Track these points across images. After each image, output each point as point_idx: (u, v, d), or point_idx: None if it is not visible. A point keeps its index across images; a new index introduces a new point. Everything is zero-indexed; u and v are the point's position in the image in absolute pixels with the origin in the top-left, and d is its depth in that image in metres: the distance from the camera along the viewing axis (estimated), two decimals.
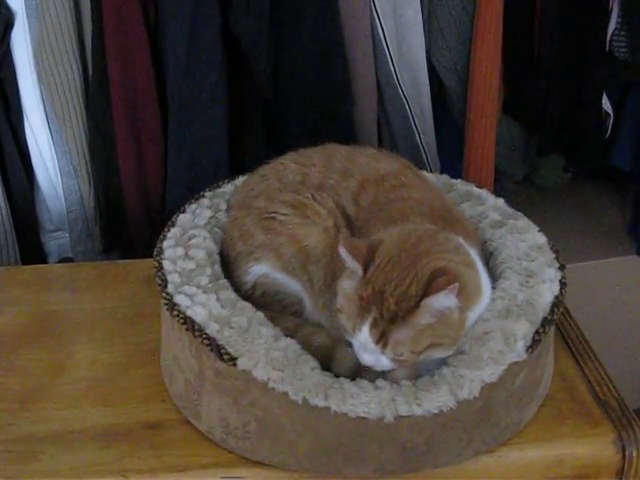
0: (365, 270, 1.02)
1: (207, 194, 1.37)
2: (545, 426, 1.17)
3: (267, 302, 1.19)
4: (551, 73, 1.84)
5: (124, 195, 1.73)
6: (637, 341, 2.06)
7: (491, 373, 1.06)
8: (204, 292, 1.15)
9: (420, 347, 1.02)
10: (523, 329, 1.10)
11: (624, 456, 1.15)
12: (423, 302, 0.99)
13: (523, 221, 1.30)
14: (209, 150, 1.65)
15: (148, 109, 1.67)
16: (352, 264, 1.03)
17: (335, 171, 1.24)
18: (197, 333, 1.09)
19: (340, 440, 1.06)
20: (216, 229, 1.30)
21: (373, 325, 1.01)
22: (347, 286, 1.04)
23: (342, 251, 1.03)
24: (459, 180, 1.43)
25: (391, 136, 1.88)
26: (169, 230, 1.28)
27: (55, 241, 1.84)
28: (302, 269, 1.20)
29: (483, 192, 1.39)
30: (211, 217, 1.32)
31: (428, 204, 1.18)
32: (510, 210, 1.34)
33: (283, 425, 1.07)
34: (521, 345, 1.09)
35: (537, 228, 1.29)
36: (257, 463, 1.11)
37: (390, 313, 1.00)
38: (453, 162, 1.91)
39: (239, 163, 1.70)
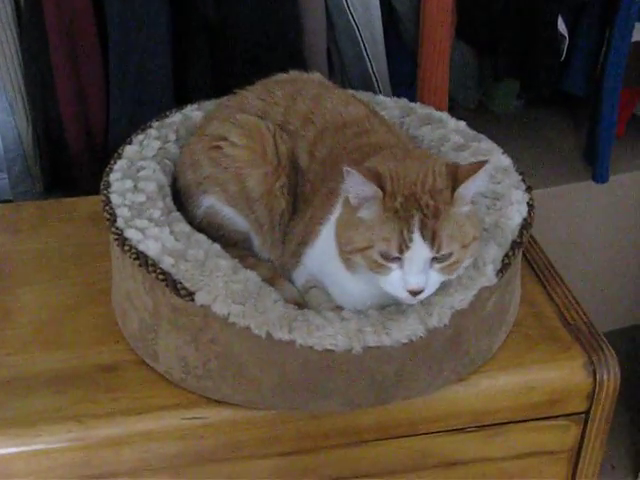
0: (382, 188, 0.95)
1: (154, 124, 1.30)
2: (515, 353, 1.15)
3: (215, 237, 1.13)
4: None
5: (65, 131, 1.63)
6: (596, 266, 2.05)
7: (461, 299, 1.03)
8: (156, 225, 1.08)
9: (468, 238, 0.97)
10: (492, 253, 1.06)
11: (595, 379, 1.13)
12: (461, 188, 0.95)
13: (486, 143, 1.26)
14: (153, 80, 1.56)
15: (87, 37, 1.57)
16: (369, 188, 0.95)
17: (297, 115, 1.17)
18: (151, 268, 1.03)
19: (306, 374, 1.01)
20: (166, 160, 1.23)
21: (422, 227, 0.93)
22: (366, 215, 0.96)
23: (354, 180, 0.95)
24: (417, 103, 1.38)
25: (341, 64, 1.81)
26: (115, 162, 1.20)
27: None
28: (247, 207, 1.15)
29: (444, 115, 1.33)
30: (160, 148, 1.24)
31: (387, 146, 1.11)
32: (472, 132, 1.30)
33: (245, 361, 1.02)
34: (491, 269, 1.05)
35: (501, 150, 1.25)
36: (219, 402, 1.06)
37: (431, 209, 0.94)
38: (405, 90, 1.85)
39: (183, 95, 1.62)
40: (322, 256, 1.07)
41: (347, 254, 0.99)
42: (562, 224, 1.94)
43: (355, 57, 1.78)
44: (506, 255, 1.07)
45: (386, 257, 0.96)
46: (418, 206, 0.95)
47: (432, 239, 0.94)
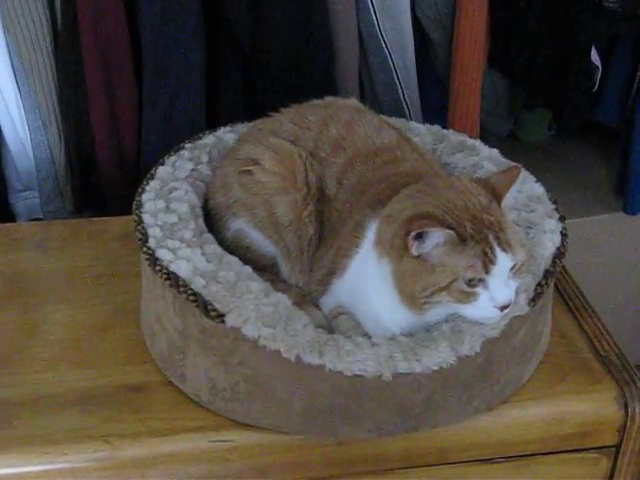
0: (451, 227, 0.96)
1: (187, 146, 1.30)
2: (545, 383, 1.13)
3: (243, 260, 1.12)
4: (539, 24, 1.78)
5: (97, 151, 1.63)
6: (627, 298, 2.03)
7: (493, 327, 1.01)
8: (188, 246, 1.08)
9: (523, 238, 1.01)
10: (525, 282, 1.05)
11: (627, 412, 1.11)
12: (505, 199, 1.00)
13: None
14: (186, 103, 1.57)
15: (121, 59, 1.58)
16: (443, 235, 0.96)
17: (328, 141, 1.16)
18: (182, 289, 1.02)
19: (335, 400, 1.00)
20: (198, 182, 1.23)
21: (499, 242, 0.96)
22: (438, 253, 0.97)
23: (433, 236, 0.96)
24: (450, 130, 1.37)
25: (373, 91, 1.81)
26: (148, 183, 1.21)
27: (24, 202, 1.75)
28: (275, 232, 1.15)
29: (477, 142, 1.33)
30: (192, 169, 1.25)
31: (417, 175, 1.11)
32: (505, 160, 1.29)
33: (274, 385, 1.01)
34: (523, 298, 1.04)
35: (534, 178, 1.24)
36: (247, 425, 1.05)
37: (495, 224, 0.96)
38: (436, 118, 1.85)
39: (215, 118, 1.62)
40: (352, 289, 1.08)
41: (426, 299, 0.98)
42: (593, 255, 1.92)
43: (387, 83, 1.78)
44: (539, 284, 1.06)
45: (471, 284, 0.96)
46: (485, 225, 0.96)
47: (509, 249, 0.96)
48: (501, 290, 0.97)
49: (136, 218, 1.14)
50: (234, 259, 1.08)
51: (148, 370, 1.14)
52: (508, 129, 2.04)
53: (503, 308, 0.97)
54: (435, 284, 0.97)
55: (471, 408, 1.06)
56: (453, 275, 0.96)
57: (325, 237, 1.14)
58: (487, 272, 0.96)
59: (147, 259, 1.07)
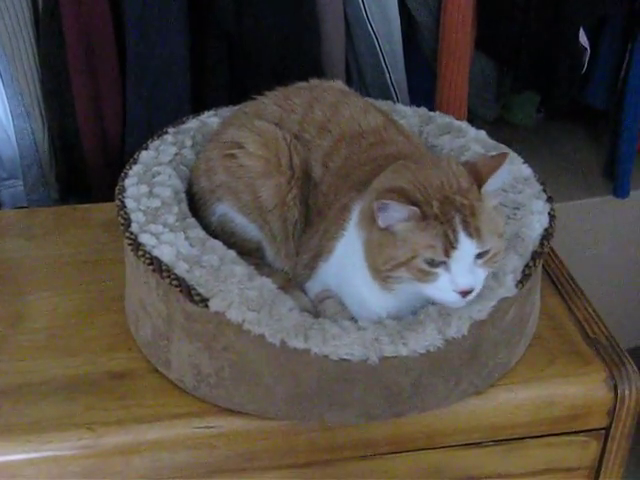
0: (414, 204, 0.94)
1: (170, 130, 1.29)
2: (534, 366, 1.12)
3: (228, 245, 1.10)
4: (527, 6, 1.76)
5: (81, 137, 1.61)
6: (616, 281, 2.02)
7: (480, 310, 1.00)
8: (171, 230, 1.07)
9: (501, 227, 0.98)
10: (512, 263, 1.04)
11: (616, 395, 1.11)
12: (487, 184, 0.96)
13: (504, 148, 1.24)
14: (170, 87, 1.55)
15: (104, 44, 1.55)
16: (406, 211, 0.94)
17: (314, 123, 1.15)
18: (165, 274, 1.01)
19: (321, 384, 0.99)
20: (181, 166, 1.22)
21: (465, 226, 0.93)
22: (403, 228, 0.95)
23: (392, 210, 0.94)
24: (437, 112, 1.36)
25: (360, 75, 1.79)
26: (131, 168, 1.19)
27: (8, 190, 1.73)
28: (260, 217, 1.13)
29: (464, 124, 1.32)
30: (176, 154, 1.23)
31: (402, 157, 1.09)
32: (492, 142, 1.28)
33: (260, 370, 1.00)
34: (511, 280, 1.03)
35: (522, 160, 1.23)
36: (232, 411, 1.04)
37: (467, 207, 0.94)
38: (424, 102, 1.83)
39: (201, 103, 1.60)
40: (338, 271, 1.06)
41: (388, 272, 0.97)
42: (582, 238, 1.92)
43: (374, 67, 1.76)
44: (526, 265, 1.05)
45: (432, 263, 0.94)
46: (455, 207, 0.94)
47: (476, 236, 0.94)
48: (463, 275, 0.94)
49: (119, 203, 1.12)
50: (218, 243, 1.06)
51: (133, 357, 1.13)
52: (496, 112, 2.02)
53: (465, 294, 0.95)
54: (395, 258, 0.95)
55: (459, 392, 1.05)
56: (412, 252, 0.94)
57: (311, 221, 1.13)
58: (447, 255, 0.93)
59: (130, 244, 1.06)
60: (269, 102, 1.19)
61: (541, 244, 1.08)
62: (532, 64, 1.82)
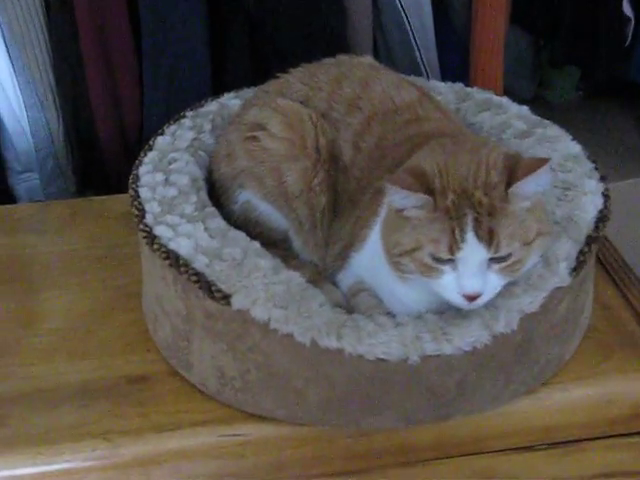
0: (430, 192, 0.85)
1: (188, 114, 1.20)
2: (589, 362, 1.03)
3: (252, 235, 1.02)
4: None
5: (97, 127, 1.54)
6: None
7: (531, 302, 0.91)
8: (189, 221, 0.98)
9: (531, 234, 0.86)
10: (566, 249, 0.94)
11: None
12: (515, 187, 0.84)
13: (553, 129, 1.14)
14: (189, 71, 1.47)
15: (119, 28, 1.48)
16: (416, 199, 0.85)
17: (342, 100, 1.06)
18: (182, 269, 0.92)
19: (357, 387, 0.90)
20: (200, 152, 1.13)
21: (477, 227, 0.83)
22: (414, 214, 0.86)
23: (398, 194, 0.86)
24: (475, 88, 1.26)
25: (388, 53, 1.70)
26: (146, 155, 1.11)
27: (25, 184, 1.65)
28: (285, 203, 1.05)
29: (504, 100, 1.22)
30: (194, 139, 1.15)
31: (442, 135, 1.00)
32: (536, 118, 1.18)
33: (289, 372, 0.91)
34: (564, 267, 0.93)
35: (570, 136, 1.13)
36: (260, 417, 0.96)
37: (486, 206, 0.84)
38: (456, 81, 1.74)
39: (222, 87, 1.52)
40: (372, 262, 0.97)
41: (396, 257, 0.89)
42: (631, 221, 1.80)
43: (403, 45, 1.67)
44: (581, 251, 0.95)
45: (437, 259, 0.86)
46: (471, 204, 0.84)
47: (489, 239, 0.84)
48: (468, 278, 0.84)
49: (132, 193, 1.04)
50: (240, 234, 0.98)
51: (151, 359, 1.05)
52: (532, 91, 1.92)
53: (470, 299, 0.85)
54: (402, 245, 0.87)
55: (509, 392, 0.95)
56: (417, 242, 0.86)
57: (343, 208, 1.04)
58: (452, 254, 0.84)
59: (145, 237, 0.98)
60: (294, 80, 1.10)
61: (596, 228, 0.98)
62: (572, 36, 1.72)
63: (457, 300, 0.87)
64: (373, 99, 1.05)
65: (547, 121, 1.16)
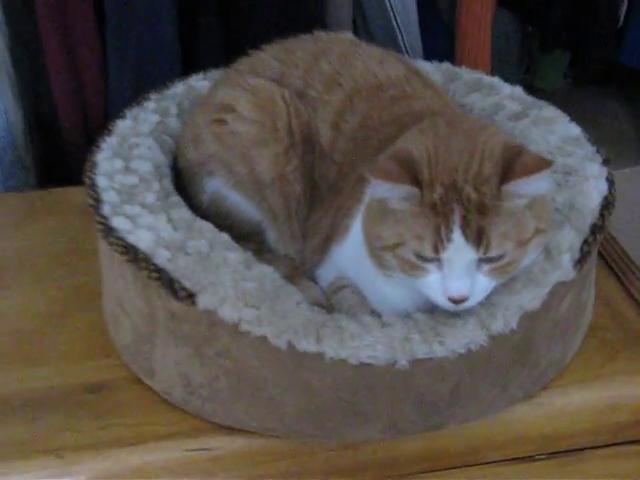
0: (417, 183, 0.76)
1: (153, 97, 1.10)
2: (592, 363, 0.95)
3: (223, 229, 0.92)
4: None
5: (59, 115, 1.45)
6: None
7: (532, 298, 0.82)
8: (150, 212, 0.88)
9: (527, 233, 0.77)
10: (569, 239, 0.85)
11: None
12: (510, 185, 0.75)
13: (549, 110, 1.05)
14: (157, 53, 1.37)
15: (80, 8, 1.38)
16: (401, 191, 0.77)
17: (320, 77, 0.97)
18: (142, 264, 0.83)
19: (339, 395, 0.81)
20: (164, 137, 1.03)
21: (465, 225, 0.75)
22: (398, 206, 0.78)
23: (381, 187, 0.77)
24: (464, 68, 1.17)
25: (369, 36, 1.60)
26: (104, 140, 1.00)
27: None
28: (258, 193, 0.96)
29: (495, 80, 1.13)
30: (158, 122, 1.05)
31: (435, 115, 0.90)
32: (531, 99, 1.09)
33: (262, 379, 0.82)
34: (567, 260, 0.84)
35: (568, 118, 1.04)
36: (230, 429, 0.86)
37: (475, 203, 0.75)
38: None
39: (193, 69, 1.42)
40: (355, 255, 0.88)
41: (377, 251, 0.81)
42: (626, 211, 1.72)
43: (384, 28, 1.58)
44: (585, 242, 0.86)
45: (421, 257, 0.77)
46: (459, 199, 0.75)
47: (477, 239, 0.75)
48: (454, 280, 0.76)
49: (88, 181, 0.94)
50: (207, 225, 0.88)
51: (111, 365, 0.95)
52: (519, 76, 1.83)
53: (455, 301, 0.77)
54: (383, 238, 0.79)
55: (506, 397, 0.87)
56: (399, 237, 0.77)
57: (322, 197, 0.95)
58: (436, 252, 0.76)
59: (101, 230, 0.87)
60: (267, 57, 1.01)
61: (601, 215, 0.89)
62: (562, 18, 1.63)
63: (442, 302, 0.78)
64: (354, 75, 0.96)
65: (542, 102, 1.07)
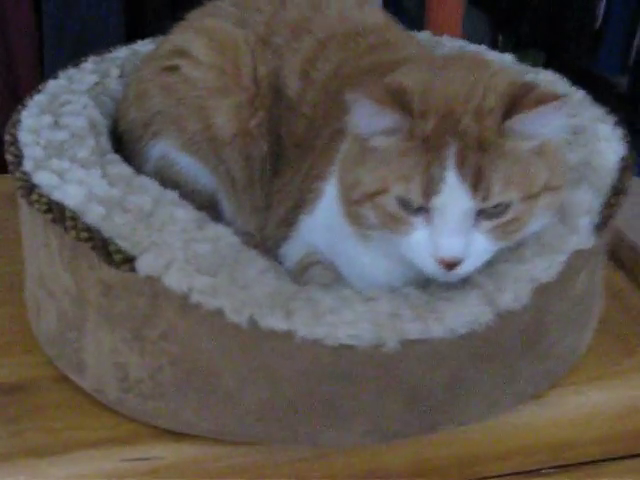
0: (407, 112, 0.63)
1: (91, 59, 0.95)
2: (607, 358, 0.81)
3: None
4: None
5: None
6: None
7: (546, 267, 0.67)
8: (82, 166, 0.73)
9: (537, 184, 0.64)
10: (586, 200, 0.71)
11: None
12: (515, 119, 0.63)
13: (547, 74, 0.93)
14: (99, 25, 1.22)
15: None
16: (388, 119, 0.63)
17: (287, 22, 0.84)
18: (69, 223, 0.67)
19: (311, 386, 0.66)
20: (103, 97, 0.88)
21: (461, 162, 0.62)
22: (381, 142, 0.64)
23: (364, 111, 0.64)
24: (445, 36, 1.04)
25: None
26: (31, 98, 0.85)
27: None
28: (214, 154, 0.82)
29: (482, 48, 1.00)
30: (96, 83, 0.90)
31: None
32: (522, 68, 0.96)
33: (217, 367, 0.66)
34: (586, 223, 0.70)
35: (568, 82, 0.91)
36: (176, 434, 0.71)
37: (475, 137, 0.63)
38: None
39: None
40: (329, 223, 0.74)
41: (353, 204, 0.67)
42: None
43: None
44: (606, 204, 0.72)
45: (407, 207, 0.63)
46: (455, 131, 0.62)
47: (475, 180, 0.62)
48: (445, 236, 0.63)
49: (8, 138, 0.78)
50: (150, 182, 0.73)
51: (32, 363, 0.81)
52: None
53: (446, 265, 0.64)
54: (362, 184, 0.66)
55: (512, 394, 0.72)
56: (381, 182, 0.64)
57: (289, 158, 0.81)
58: (426, 198, 0.62)
59: (21, 187, 0.72)
60: (224, 5, 0.87)
61: (621, 177, 0.75)
62: (536, 16, 1.53)
63: (430, 267, 0.64)
64: (327, 20, 0.83)
65: (538, 68, 0.95)
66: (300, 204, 0.77)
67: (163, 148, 0.82)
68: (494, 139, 0.63)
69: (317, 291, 0.66)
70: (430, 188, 0.62)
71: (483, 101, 0.64)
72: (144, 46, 1.00)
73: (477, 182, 0.62)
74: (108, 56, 0.97)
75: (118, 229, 0.66)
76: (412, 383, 0.66)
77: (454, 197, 0.62)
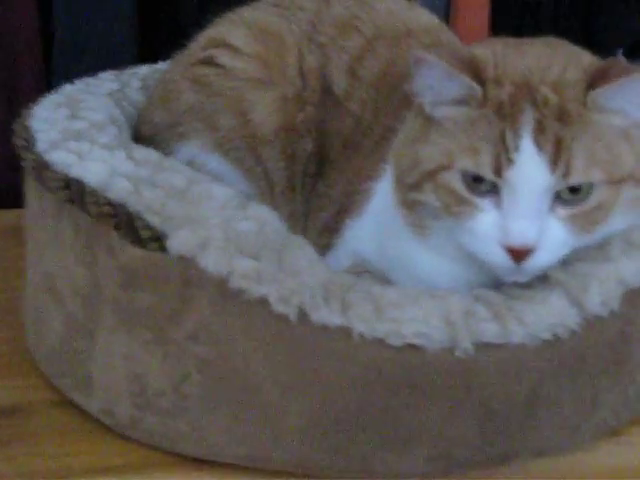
0: (480, 81, 0.57)
1: (109, 72, 0.89)
2: None
3: None
4: None
5: None
6: None
7: (636, 270, 0.59)
8: (104, 148, 0.64)
9: (623, 167, 0.57)
10: None
11: None
12: (602, 89, 0.56)
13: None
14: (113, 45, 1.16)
15: None
16: (458, 84, 0.57)
17: (332, 21, 0.79)
18: (89, 199, 0.57)
19: (368, 397, 0.55)
20: (124, 103, 0.81)
21: (538, 130, 0.55)
22: (448, 114, 0.58)
23: (433, 72, 0.58)
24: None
25: None
26: (44, 97, 0.77)
27: None
28: (250, 153, 0.75)
29: None
30: (117, 90, 0.82)
31: None
32: None
33: (256, 374, 0.56)
34: None
35: None
36: (200, 463, 0.59)
37: (555, 107, 0.56)
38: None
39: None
40: (379, 230, 0.66)
41: (411, 190, 0.59)
42: None
43: None
44: None
45: (473, 186, 0.56)
46: (532, 100, 0.57)
47: (554, 151, 0.55)
48: (516, 218, 0.56)
49: (18, 128, 0.69)
50: (181, 165, 0.64)
51: (29, 386, 0.72)
52: None
53: (518, 255, 0.55)
54: (422, 162, 0.59)
55: (594, 422, 0.62)
56: (445, 156, 0.57)
57: (331, 159, 0.73)
58: (497, 171, 0.55)
59: (31, 168, 0.62)
60: (264, 5, 0.80)
61: None
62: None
63: (496, 257, 0.56)
64: (376, 19, 0.78)
65: None
66: (345, 208, 0.69)
67: (191, 150, 0.74)
68: (577, 110, 0.56)
69: (376, 285, 0.56)
70: (502, 160, 0.55)
71: (564, 74, 0.58)
72: (165, 65, 0.94)
73: (557, 154, 0.55)
74: (128, 71, 0.90)
75: (147, 203, 0.56)
76: (487, 397, 0.56)
77: (529, 170, 0.55)
